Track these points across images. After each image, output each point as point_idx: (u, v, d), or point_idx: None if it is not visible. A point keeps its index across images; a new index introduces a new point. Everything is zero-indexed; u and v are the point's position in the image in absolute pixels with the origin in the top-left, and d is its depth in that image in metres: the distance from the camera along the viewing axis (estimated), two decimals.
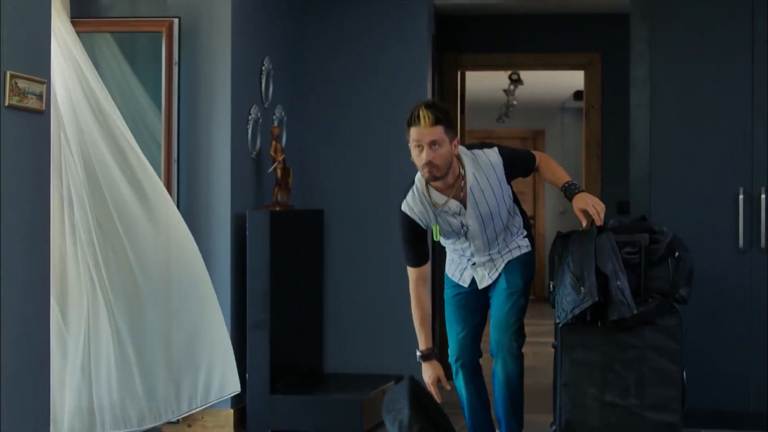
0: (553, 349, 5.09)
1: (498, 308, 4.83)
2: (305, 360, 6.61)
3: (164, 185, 5.63)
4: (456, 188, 4.62)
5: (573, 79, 10.48)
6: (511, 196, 4.77)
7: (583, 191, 4.76)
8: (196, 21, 5.83)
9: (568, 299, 4.84)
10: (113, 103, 5.17)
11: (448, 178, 4.59)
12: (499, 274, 4.82)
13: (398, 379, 6.66)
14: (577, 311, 4.82)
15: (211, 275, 5.74)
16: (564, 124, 14.36)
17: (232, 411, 5.85)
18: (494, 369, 4.87)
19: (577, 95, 12.17)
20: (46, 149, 4.00)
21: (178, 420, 5.54)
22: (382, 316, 6.79)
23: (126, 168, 5.06)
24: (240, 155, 5.99)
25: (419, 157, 4.51)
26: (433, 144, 4.47)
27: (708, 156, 5.88)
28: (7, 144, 3.74)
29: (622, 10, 7.01)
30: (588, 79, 8.25)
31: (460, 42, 8.10)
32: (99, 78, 5.14)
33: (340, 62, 6.93)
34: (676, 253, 4.97)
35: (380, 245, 6.79)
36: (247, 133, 6.10)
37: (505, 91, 11.95)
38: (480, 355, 5.01)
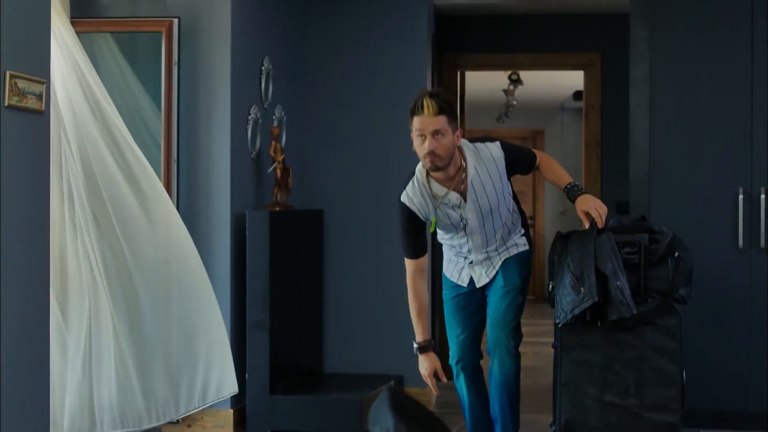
0: (552, 349, 5.09)
1: (495, 306, 4.79)
2: (305, 360, 6.61)
3: (164, 185, 5.63)
4: (457, 180, 4.59)
5: (573, 79, 10.48)
6: (511, 193, 4.76)
7: (586, 193, 4.76)
8: (195, 21, 5.83)
9: (568, 299, 4.84)
10: (112, 103, 5.17)
11: (449, 170, 4.56)
12: (497, 272, 4.79)
13: (398, 379, 6.67)
14: (576, 311, 4.82)
15: (210, 275, 5.74)
16: (564, 124, 14.36)
17: (231, 411, 5.85)
18: (491, 367, 4.84)
19: (577, 95, 12.17)
20: (45, 149, 4.00)
21: (178, 420, 5.54)
22: (382, 316, 6.79)
23: (125, 168, 5.06)
24: (240, 155, 5.99)
25: (421, 147, 4.49)
26: (436, 134, 4.45)
27: (708, 156, 5.88)
28: (6, 144, 3.74)
29: (621, 10, 7.01)
30: (588, 79, 8.26)
31: (459, 42, 8.10)
32: (98, 78, 5.14)
33: (339, 62, 6.93)
34: (676, 253, 4.97)
35: (380, 245, 6.79)
36: (247, 133, 6.10)
37: (505, 91, 11.95)
38: (481, 356, 5.00)
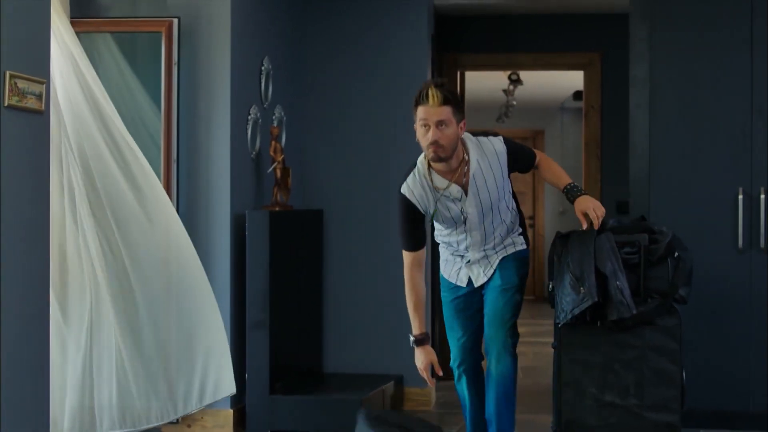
0: (552, 349, 5.09)
1: (492, 304, 4.75)
2: (305, 360, 6.61)
3: (164, 185, 5.63)
4: (459, 173, 4.56)
5: (572, 79, 10.48)
6: (511, 191, 4.74)
7: (585, 194, 4.76)
8: (195, 21, 5.84)
9: (568, 299, 4.84)
10: (112, 103, 5.17)
11: (452, 162, 4.53)
12: (494, 271, 4.76)
13: (398, 379, 6.67)
14: (576, 311, 4.82)
15: (210, 275, 5.74)
16: (563, 124, 14.37)
17: (231, 411, 5.85)
18: (488, 366, 4.78)
19: (577, 95, 12.17)
20: (45, 149, 4.00)
21: (177, 420, 5.55)
22: (382, 316, 6.79)
23: (124, 168, 5.06)
24: (239, 155, 5.99)
25: (425, 137, 4.46)
26: (440, 124, 4.43)
27: (707, 156, 5.88)
28: (6, 144, 3.74)
29: (621, 10, 7.01)
30: (587, 79, 8.26)
31: (459, 42, 8.10)
32: (98, 78, 5.14)
33: (339, 62, 6.93)
34: (676, 253, 4.97)
35: (380, 245, 6.79)
36: (247, 133, 6.11)
37: (505, 91, 11.95)
38: (482, 358, 4.96)
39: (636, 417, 4.92)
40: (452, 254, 4.82)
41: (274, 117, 6.49)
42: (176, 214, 5.26)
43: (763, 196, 5.78)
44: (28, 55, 3.89)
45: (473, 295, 4.82)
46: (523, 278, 4.86)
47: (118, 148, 5.07)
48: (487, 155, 4.59)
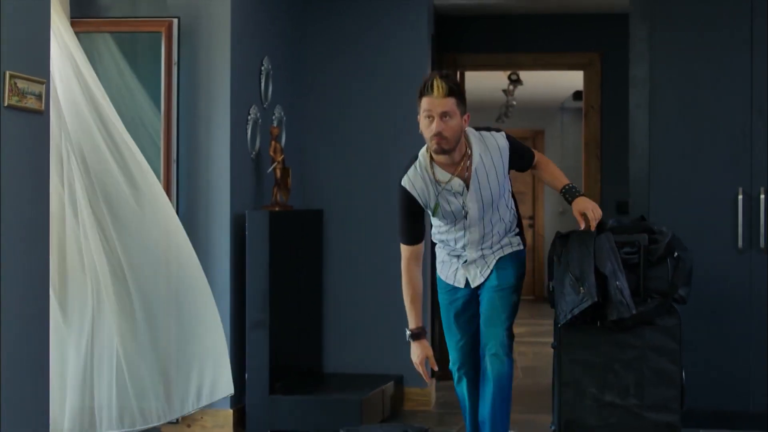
0: (552, 349, 5.09)
1: (488, 304, 4.69)
2: (305, 360, 6.62)
3: (164, 185, 5.64)
4: (462, 167, 4.52)
5: (572, 79, 10.48)
6: (510, 190, 4.73)
7: (583, 195, 4.75)
8: (195, 21, 5.84)
9: (568, 299, 4.84)
10: (111, 104, 5.17)
11: (454, 155, 4.48)
12: (491, 271, 4.71)
13: (397, 379, 6.67)
14: (576, 311, 4.82)
15: (210, 275, 5.74)
16: (563, 124, 14.37)
17: (231, 411, 5.85)
18: (483, 367, 4.70)
19: (577, 95, 12.17)
20: (45, 149, 4.01)
21: (177, 420, 5.55)
22: (382, 316, 6.79)
23: (124, 169, 5.06)
24: (239, 155, 5.99)
25: (428, 128, 4.41)
26: (444, 115, 4.39)
27: (707, 156, 5.88)
28: (6, 144, 3.74)
29: (621, 10, 7.02)
30: (587, 80, 8.26)
31: (459, 42, 8.10)
32: (97, 79, 5.14)
33: (339, 62, 6.93)
34: (675, 253, 4.97)
35: (380, 245, 6.79)
36: (247, 134, 6.11)
37: (505, 91, 11.95)
38: (479, 356, 4.89)
39: (636, 417, 4.92)
40: (449, 254, 4.78)
41: (273, 117, 6.49)
42: (175, 215, 5.26)
43: (762, 196, 5.78)
44: (28, 55, 3.89)
45: (471, 297, 4.77)
46: (520, 279, 4.79)
47: (117, 148, 5.07)
48: (489, 150, 4.56)
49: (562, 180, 4.78)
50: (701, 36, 5.89)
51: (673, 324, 4.95)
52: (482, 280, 4.72)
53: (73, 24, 5.42)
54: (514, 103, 12.65)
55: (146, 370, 4.99)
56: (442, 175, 4.53)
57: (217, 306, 5.72)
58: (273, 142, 6.24)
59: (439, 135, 4.40)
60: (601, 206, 4.89)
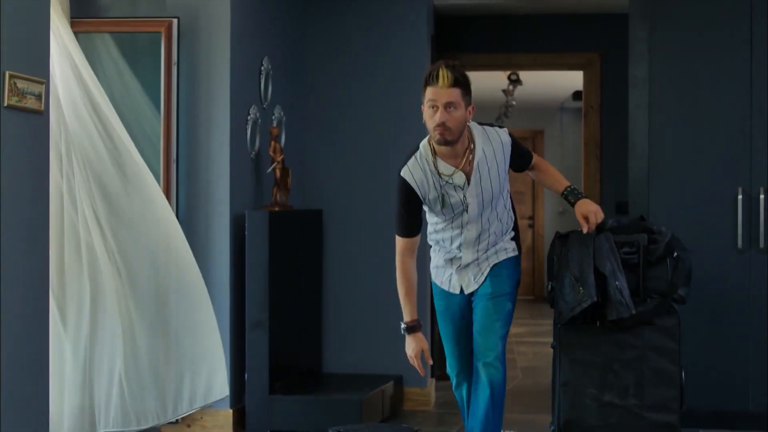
0: (552, 350, 5.10)
1: (483, 312, 4.57)
2: (304, 360, 6.62)
3: (163, 185, 5.64)
4: (464, 160, 4.43)
5: (572, 80, 10.49)
6: (509, 190, 4.65)
7: (585, 197, 4.70)
8: (195, 21, 5.84)
9: (567, 299, 4.84)
10: (110, 104, 5.17)
11: (457, 147, 4.40)
12: (485, 278, 4.59)
13: (397, 379, 6.67)
14: (576, 311, 4.82)
15: (210, 275, 5.75)
16: (563, 124, 14.37)
17: (231, 411, 5.85)
18: (476, 376, 4.57)
19: (576, 95, 12.18)
20: (45, 149, 4.01)
21: (177, 420, 5.55)
22: (382, 316, 6.79)
23: (121, 170, 5.06)
24: (239, 155, 5.99)
25: (432, 118, 4.32)
26: (448, 106, 4.30)
27: (707, 156, 5.89)
28: (6, 144, 3.75)
29: (621, 10, 7.02)
30: (587, 80, 8.26)
31: (459, 42, 8.10)
32: (96, 79, 5.14)
33: (339, 62, 6.93)
34: (675, 253, 4.98)
35: (380, 245, 6.79)
36: (246, 134, 6.11)
37: (505, 91, 11.95)
38: None
39: (635, 417, 4.92)
40: (444, 259, 4.67)
41: (273, 117, 6.50)
42: (173, 216, 5.26)
43: (762, 196, 5.78)
44: (28, 55, 3.90)
45: (466, 303, 4.67)
46: (515, 286, 4.67)
47: (116, 149, 5.07)
48: (492, 144, 4.48)
49: (563, 182, 4.73)
50: (701, 36, 5.90)
51: (672, 324, 4.95)
52: (476, 286, 4.62)
53: (72, 24, 5.42)
54: (514, 103, 12.65)
55: (143, 371, 4.99)
56: (445, 167, 4.44)
57: (216, 306, 5.73)
58: (273, 142, 6.24)
59: (442, 125, 4.31)
60: (601, 206, 4.87)
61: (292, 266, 6.30)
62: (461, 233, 4.56)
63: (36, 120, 3.93)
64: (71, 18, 5.48)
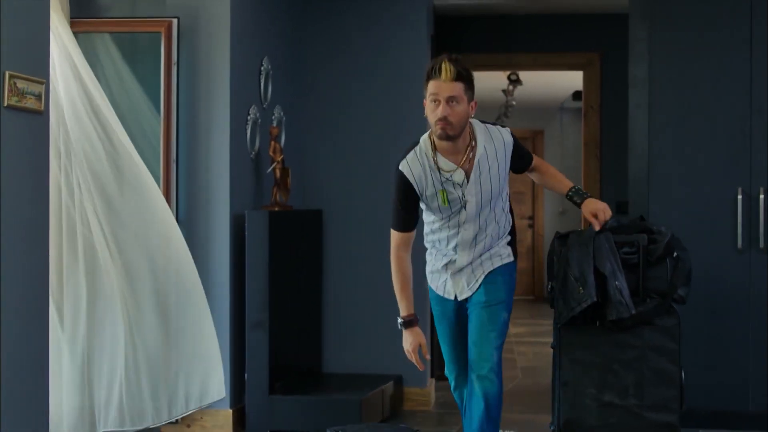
0: (552, 350, 5.10)
1: (477, 321, 4.48)
2: (304, 360, 6.62)
3: (163, 185, 5.64)
4: (465, 157, 4.37)
5: (572, 80, 10.49)
6: (508, 192, 4.59)
7: (590, 196, 4.67)
8: (194, 21, 5.84)
9: (567, 299, 4.84)
10: (110, 104, 5.17)
11: (458, 142, 4.33)
12: (479, 286, 4.51)
13: (397, 379, 6.67)
14: (576, 311, 4.83)
15: (210, 276, 5.75)
16: (563, 124, 14.37)
17: (231, 411, 5.85)
18: (471, 387, 4.47)
19: (576, 95, 12.18)
20: (45, 149, 4.01)
21: (177, 420, 5.55)
22: (382, 316, 6.79)
23: (121, 171, 5.06)
24: (239, 155, 5.99)
25: (434, 112, 4.26)
26: (450, 100, 4.24)
27: (706, 156, 5.89)
28: (6, 144, 3.75)
29: (621, 10, 7.02)
30: (587, 80, 8.26)
31: (459, 42, 8.10)
32: (96, 80, 5.14)
33: (339, 62, 6.93)
34: (675, 253, 4.98)
35: (379, 245, 6.77)
36: (246, 134, 6.11)
37: (504, 91, 11.95)
38: None
39: (635, 417, 4.93)
40: (440, 264, 4.59)
41: (273, 117, 6.50)
42: (172, 217, 5.26)
43: (762, 196, 5.78)
44: (28, 55, 3.90)
45: (461, 309, 4.59)
46: (510, 293, 4.59)
47: (115, 150, 5.07)
48: (494, 142, 4.42)
49: (567, 183, 4.68)
50: (701, 36, 5.90)
51: (672, 324, 4.95)
52: (470, 293, 4.54)
53: (72, 24, 5.42)
54: (514, 103, 12.65)
55: (141, 372, 4.99)
56: (446, 164, 4.38)
57: (216, 306, 5.74)
58: (272, 142, 6.25)
59: (444, 120, 4.25)
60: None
61: (292, 266, 6.30)
62: (458, 232, 4.49)
63: (36, 120, 3.93)
64: (71, 18, 5.48)
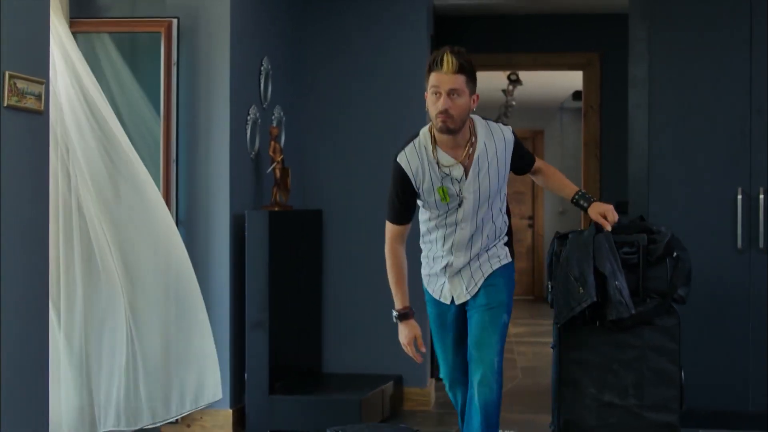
0: (551, 350, 5.10)
1: (478, 325, 4.41)
2: (304, 360, 6.62)
3: (163, 186, 5.64)
4: (465, 152, 4.30)
5: (572, 80, 10.49)
6: (506, 193, 4.53)
7: (596, 200, 4.64)
8: (194, 21, 5.84)
9: (567, 299, 4.85)
10: (109, 104, 5.17)
11: (458, 137, 4.27)
12: (479, 290, 4.45)
13: (397, 379, 6.67)
14: (575, 311, 4.83)
15: (210, 275, 5.75)
16: (563, 124, 14.38)
17: (231, 411, 5.85)
18: (470, 392, 4.39)
19: (576, 95, 12.18)
20: (45, 149, 4.01)
21: (177, 420, 5.55)
22: (382, 316, 6.78)
23: (119, 171, 5.06)
24: (239, 155, 5.99)
25: (435, 105, 4.19)
26: (452, 92, 4.17)
27: (706, 156, 5.89)
28: (6, 144, 3.75)
29: (620, 10, 7.02)
30: (587, 80, 8.27)
31: (459, 42, 8.01)
32: (95, 80, 5.14)
33: (339, 62, 6.93)
34: (675, 253, 4.98)
35: (380, 245, 6.74)
36: (246, 134, 6.11)
37: (504, 91, 11.96)
38: None
39: (635, 417, 4.93)
40: (438, 267, 4.52)
41: (273, 117, 6.50)
42: (170, 217, 5.26)
43: (762, 196, 5.78)
44: (28, 56, 3.90)
45: (458, 312, 4.53)
46: (510, 295, 4.53)
47: (114, 150, 5.07)
48: (494, 139, 4.35)
49: (572, 187, 4.63)
50: (701, 36, 5.90)
51: (672, 324, 4.95)
52: (468, 297, 4.48)
53: (72, 24, 5.43)
54: (514, 103, 12.65)
55: (139, 372, 4.99)
56: (445, 158, 4.32)
57: (216, 306, 5.74)
58: (272, 142, 6.25)
59: (445, 113, 4.18)
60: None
61: (292, 266, 6.30)
62: (454, 231, 4.42)
63: (36, 120, 3.93)
64: (71, 18, 5.48)
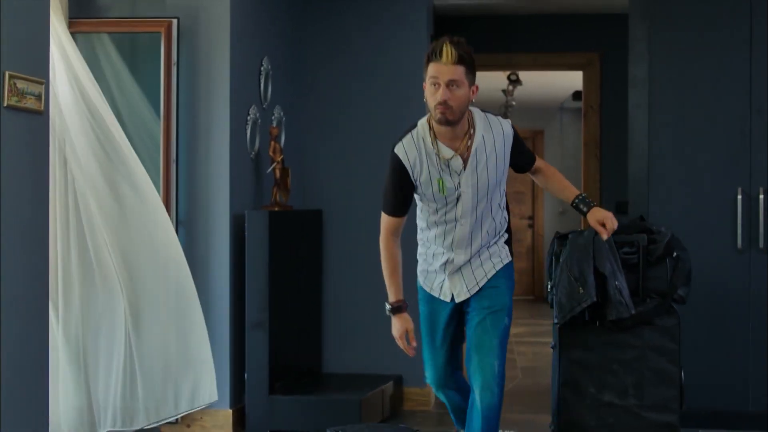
0: (551, 350, 5.10)
1: (480, 328, 4.34)
2: (304, 360, 6.62)
3: (163, 186, 5.64)
4: (463, 144, 4.23)
5: (572, 80, 10.49)
6: (505, 188, 4.47)
7: (596, 205, 4.54)
8: (194, 21, 5.84)
9: (567, 299, 4.85)
10: (108, 105, 5.17)
11: (457, 129, 4.21)
12: (479, 289, 4.39)
13: (396, 379, 6.67)
14: (575, 311, 4.83)
15: (210, 276, 5.75)
16: (563, 124, 14.38)
17: (231, 411, 5.85)
18: (472, 396, 4.31)
19: (576, 95, 12.19)
20: (45, 149, 4.01)
21: (177, 420, 5.55)
22: (381, 316, 6.74)
23: (118, 171, 5.06)
24: (239, 156, 5.99)
25: (433, 96, 4.14)
26: (451, 84, 4.12)
27: (706, 156, 5.89)
28: (6, 144, 3.75)
29: (620, 10, 7.02)
30: (587, 80, 8.27)
31: None
32: (94, 80, 5.14)
33: (339, 62, 6.93)
34: (674, 253, 4.98)
35: (379, 245, 6.78)
36: (246, 134, 6.11)
37: (504, 91, 11.96)
38: (459, 368, 4.61)
39: (635, 417, 4.93)
40: (437, 262, 4.46)
41: (273, 117, 6.50)
42: (168, 218, 5.26)
43: (762, 196, 5.78)
44: (28, 56, 3.90)
45: (455, 312, 4.46)
46: (511, 298, 4.47)
47: (113, 150, 5.07)
48: (493, 132, 4.29)
49: (573, 190, 4.56)
50: (701, 36, 5.90)
51: (672, 324, 4.96)
52: (468, 296, 4.42)
53: (72, 24, 5.42)
54: (514, 103, 12.65)
55: (136, 372, 4.99)
56: (443, 149, 4.26)
57: (216, 306, 5.75)
58: (272, 143, 6.25)
59: (444, 104, 4.12)
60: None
61: (292, 266, 6.30)
62: (454, 227, 4.35)
63: (36, 120, 3.93)
64: (70, 18, 5.48)
